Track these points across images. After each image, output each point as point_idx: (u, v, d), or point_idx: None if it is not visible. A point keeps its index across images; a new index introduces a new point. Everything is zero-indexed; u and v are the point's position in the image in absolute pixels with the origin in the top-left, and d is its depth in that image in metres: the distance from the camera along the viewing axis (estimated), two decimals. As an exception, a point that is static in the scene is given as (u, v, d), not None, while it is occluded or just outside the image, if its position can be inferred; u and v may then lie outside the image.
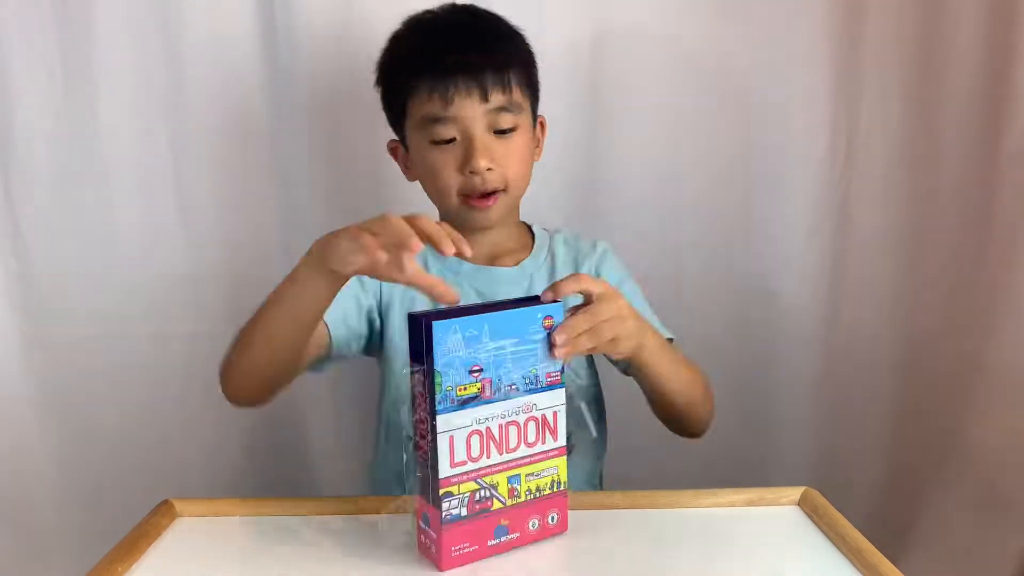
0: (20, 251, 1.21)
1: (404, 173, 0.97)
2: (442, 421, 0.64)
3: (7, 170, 1.18)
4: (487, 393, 0.66)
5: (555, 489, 0.70)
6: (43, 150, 1.17)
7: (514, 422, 0.67)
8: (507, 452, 0.67)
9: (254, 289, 1.23)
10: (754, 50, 1.22)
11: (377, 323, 0.95)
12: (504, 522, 0.68)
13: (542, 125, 0.97)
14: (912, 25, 1.21)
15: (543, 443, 0.69)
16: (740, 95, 1.24)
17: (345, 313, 0.89)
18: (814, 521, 0.74)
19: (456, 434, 0.65)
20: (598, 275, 0.96)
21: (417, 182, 0.96)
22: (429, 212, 0.98)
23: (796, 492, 0.78)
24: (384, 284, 0.95)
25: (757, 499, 0.78)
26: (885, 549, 0.67)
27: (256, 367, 0.79)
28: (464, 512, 0.65)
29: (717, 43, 1.22)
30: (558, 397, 0.69)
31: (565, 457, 0.70)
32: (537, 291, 0.93)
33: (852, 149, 1.26)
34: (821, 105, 1.24)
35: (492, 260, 0.96)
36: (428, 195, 0.93)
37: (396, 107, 0.90)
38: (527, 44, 0.93)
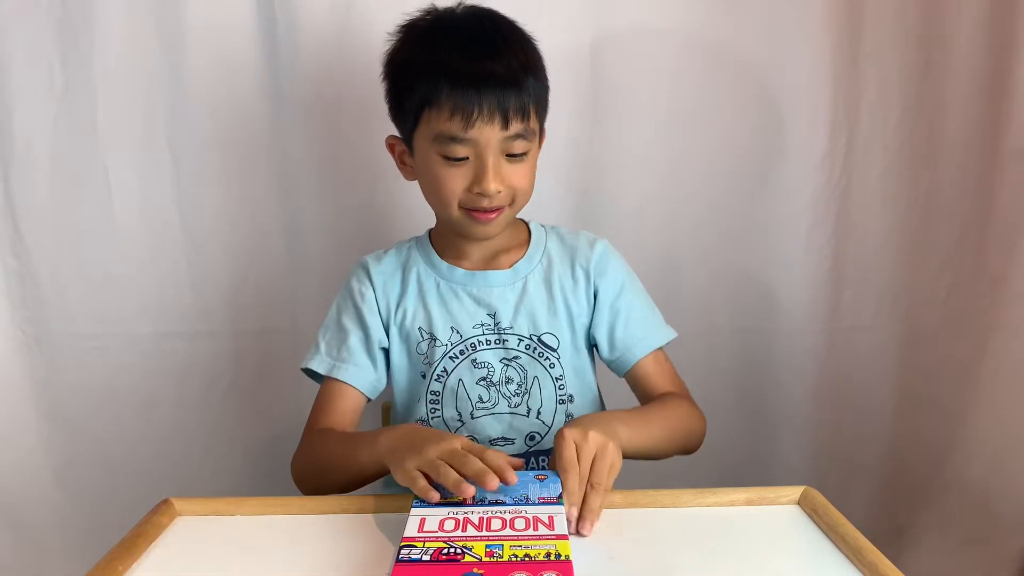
0: (20, 250, 1.21)
1: (400, 169, 0.95)
2: (415, 511, 0.67)
3: (7, 170, 1.18)
4: (469, 501, 0.68)
5: (551, 559, 0.61)
6: (43, 150, 1.17)
7: (499, 517, 0.66)
8: (487, 531, 0.65)
9: (254, 289, 1.26)
10: (754, 50, 1.22)
11: (387, 344, 0.96)
12: (479, 571, 0.59)
13: (540, 137, 0.95)
14: (912, 25, 1.21)
15: (535, 530, 0.65)
16: (740, 95, 1.24)
17: (366, 370, 0.94)
18: (814, 520, 0.74)
19: (429, 517, 0.66)
20: (597, 280, 0.95)
21: (415, 183, 0.95)
22: (429, 218, 0.99)
23: (796, 492, 0.78)
24: (381, 304, 0.94)
25: (757, 499, 0.78)
26: (885, 548, 0.67)
27: (325, 487, 0.86)
28: (426, 558, 0.61)
29: (717, 44, 1.22)
30: (554, 510, 0.68)
31: (567, 541, 0.63)
32: (531, 292, 0.93)
33: (852, 149, 1.26)
34: (821, 105, 1.24)
35: (488, 261, 0.95)
36: (427, 199, 0.92)
37: (409, 109, 0.87)
38: (539, 54, 0.91)
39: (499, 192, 0.86)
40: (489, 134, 0.83)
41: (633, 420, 0.83)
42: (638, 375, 0.96)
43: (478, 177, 0.85)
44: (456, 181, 0.86)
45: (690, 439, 0.92)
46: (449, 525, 0.65)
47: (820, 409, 1.35)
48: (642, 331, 0.96)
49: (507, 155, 0.86)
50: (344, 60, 1.17)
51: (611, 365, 0.97)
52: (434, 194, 0.90)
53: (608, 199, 1.26)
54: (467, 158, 0.85)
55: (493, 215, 0.88)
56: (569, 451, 0.71)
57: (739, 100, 1.24)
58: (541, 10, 1.15)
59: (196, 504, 0.77)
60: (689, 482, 0.82)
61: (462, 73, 0.83)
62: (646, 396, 0.95)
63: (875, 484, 1.39)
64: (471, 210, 0.88)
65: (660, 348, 0.97)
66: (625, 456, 0.77)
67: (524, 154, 0.87)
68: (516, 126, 0.84)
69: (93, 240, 1.21)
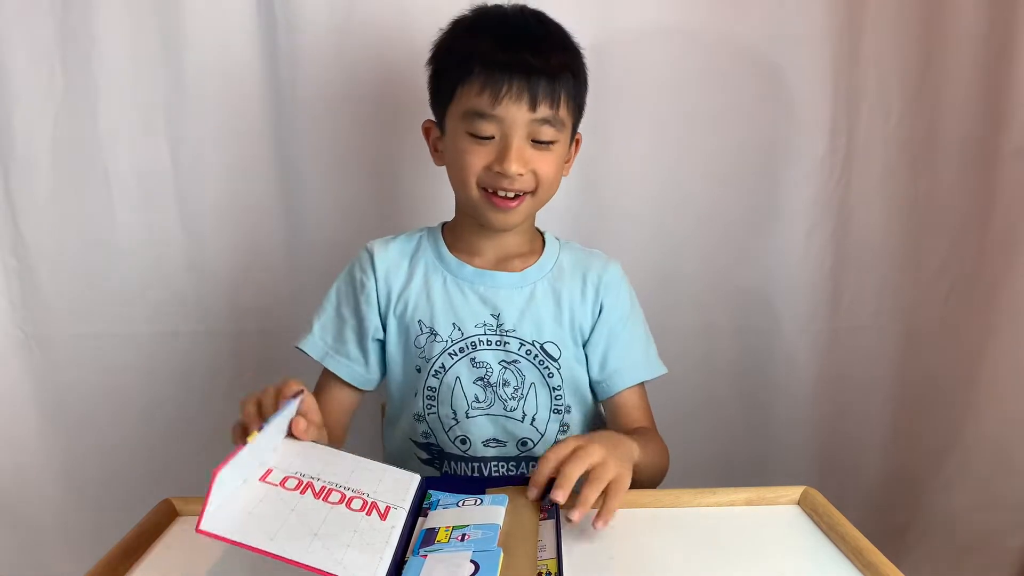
0: (20, 250, 1.21)
1: (432, 155, 0.95)
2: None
3: (7, 170, 1.18)
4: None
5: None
6: (43, 150, 1.17)
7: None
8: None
9: (254, 289, 1.26)
10: (754, 51, 1.22)
11: (382, 336, 0.95)
12: None
13: (577, 142, 0.96)
14: (912, 25, 1.21)
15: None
16: (740, 95, 1.24)
17: (358, 364, 0.94)
18: (814, 520, 0.74)
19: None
20: (604, 298, 0.95)
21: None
22: (445, 212, 0.99)
23: (796, 492, 0.78)
24: (381, 294, 0.94)
25: (757, 499, 0.78)
26: (884, 548, 0.67)
27: None
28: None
29: (717, 45, 1.22)
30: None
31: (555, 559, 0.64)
32: (539, 299, 0.93)
33: (852, 149, 1.26)
34: (821, 105, 1.24)
35: (499, 263, 0.95)
36: (451, 181, 0.92)
37: (444, 89, 0.89)
38: (583, 63, 0.93)
39: (520, 175, 0.85)
40: (516, 114, 0.84)
41: (641, 444, 0.83)
42: (618, 403, 0.96)
43: (501, 156, 0.85)
44: (479, 157, 0.86)
45: (661, 475, 0.92)
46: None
47: (820, 409, 1.35)
48: (634, 361, 0.96)
49: (534, 140, 0.86)
50: (344, 60, 1.17)
51: (595, 386, 0.97)
52: (456, 171, 0.90)
53: (609, 198, 1.26)
54: (493, 137, 0.85)
55: (514, 203, 0.88)
56: (560, 448, 0.72)
57: (739, 100, 1.24)
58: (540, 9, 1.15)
59: (196, 504, 0.77)
60: (689, 482, 0.82)
61: (497, 55, 0.84)
62: (620, 426, 0.95)
63: (875, 484, 1.39)
64: (491, 193, 0.87)
65: (643, 382, 0.97)
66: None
67: (551, 143, 0.87)
68: (544, 110, 0.85)
69: (93, 240, 1.21)
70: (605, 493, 0.70)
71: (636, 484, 0.82)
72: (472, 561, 0.61)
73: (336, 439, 0.91)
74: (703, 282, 1.30)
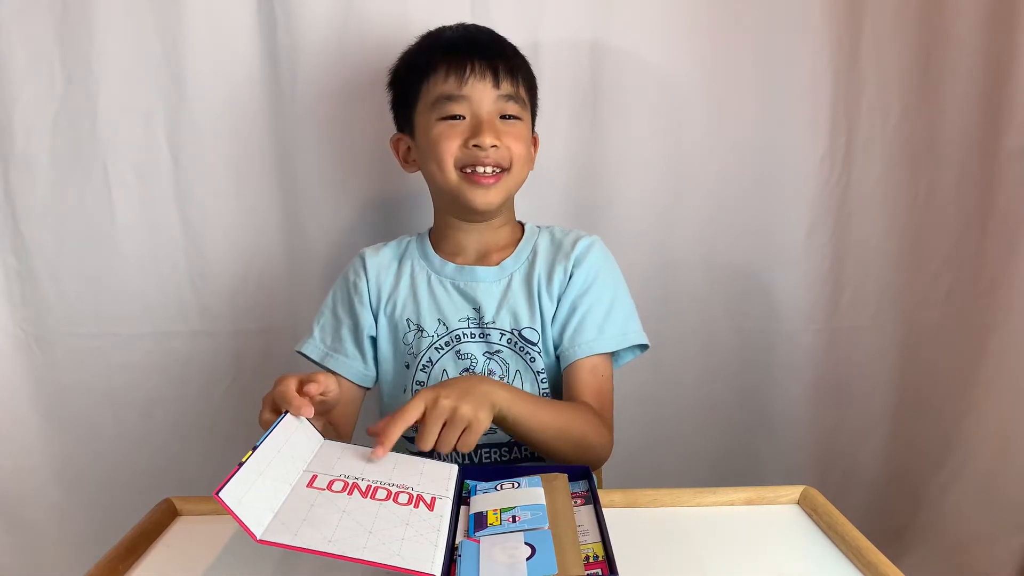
0: (20, 250, 1.21)
1: (403, 166, 1.00)
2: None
3: (7, 169, 1.18)
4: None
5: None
6: (43, 148, 1.17)
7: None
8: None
9: (254, 288, 1.26)
10: (753, 50, 1.22)
11: (374, 332, 0.98)
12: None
13: (535, 141, 1.02)
14: (912, 25, 1.21)
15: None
16: (740, 95, 1.24)
17: (356, 361, 0.97)
18: (813, 520, 0.74)
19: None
20: (574, 273, 0.95)
21: (412, 178, 0.97)
22: (428, 217, 0.99)
23: (796, 491, 0.78)
24: (372, 295, 0.98)
25: (757, 498, 0.78)
26: (884, 547, 0.67)
27: None
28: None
29: (716, 44, 1.21)
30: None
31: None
32: (515, 289, 0.96)
33: (852, 149, 1.26)
34: (821, 105, 1.23)
35: (480, 258, 0.98)
36: (427, 177, 0.96)
37: (410, 94, 0.95)
38: (530, 68, 0.99)
39: (494, 147, 0.90)
40: (482, 91, 0.91)
41: (524, 397, 0.82)
42: (568, 376, 0.94)
43: (475, 130, 0.91)
44: (453, 139, 0.92)
45: (583, 448, 0.86)
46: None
47: (820, 409, 1.35)
48: (591, 334, 0.93)
49: (502, 116, 0.92)
50: (344, 60, 1.17)
51: (559, 358, 0.96)
52: (434, 159, 0.93)
53: (607, 199, 1.26)
54: (464, 117, 0.91)
55: (492, 179, 0.92)
56: (410, 410, 0.72)
57: (739, 100, 1.24)
58: (541, 10, 1.16)
59: (196, 504, 0.77)
60: (689, 482, 0.82)
61: (455, 41, 0.93)
62: (567, 400, 0.93)
63: (874, 484, 1.39)
64: (470, 173, 0.92)
65: (606, 357, 0.95)
66: (504, 426, 0.79)
67: (518, 119, 0.93)
68: (507, 87, 0.92)
69: (93, 240, 1.21)
70: (461, 434, 0.72)
71: (537, 444, 0.84)
72: (527, 544, 0.62)
73: (344, 435, 0.94)
74: (702, 282, 1.30)
